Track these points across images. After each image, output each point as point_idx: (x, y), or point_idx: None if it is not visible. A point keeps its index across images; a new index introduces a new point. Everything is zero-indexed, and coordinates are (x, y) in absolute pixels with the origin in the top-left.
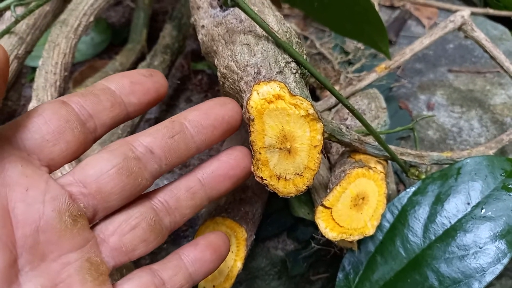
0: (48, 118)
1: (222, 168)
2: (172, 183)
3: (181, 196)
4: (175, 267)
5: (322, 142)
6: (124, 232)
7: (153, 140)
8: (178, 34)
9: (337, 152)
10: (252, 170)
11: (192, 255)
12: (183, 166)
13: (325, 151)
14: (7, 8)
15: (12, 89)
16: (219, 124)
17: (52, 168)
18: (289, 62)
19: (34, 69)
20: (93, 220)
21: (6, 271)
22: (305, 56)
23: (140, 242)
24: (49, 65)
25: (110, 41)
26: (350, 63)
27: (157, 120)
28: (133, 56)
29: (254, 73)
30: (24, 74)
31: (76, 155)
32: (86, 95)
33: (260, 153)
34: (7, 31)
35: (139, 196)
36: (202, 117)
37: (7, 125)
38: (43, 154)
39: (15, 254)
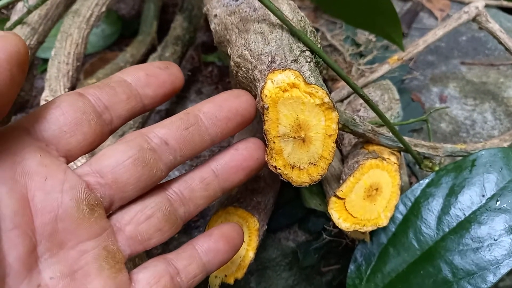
0: (65, 109)
1: (236, 160)
2: (186, 174)
3: (195, 187)
4: (189, 257)
5: (337, 131)
6: (140, 222)
7: (168, 132)
8: (189, 25)
9: (350, 143)
10: (266, 159)
11: (206, 246)
12: (194, 157)
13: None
14: None
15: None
16: (233, 116)
17: (69, 159)
18: (304, 51)
19: (45, 60)
20: (110, 210)
21: (27, 257)
22: (319, 45)
23: (155, 232)
24: (62, 55)
25: (120, 33)
26: (361, 55)
27: (168, 111)
28: (143, 48)
29: (269, 61)
30: (35, 65)
31: (93, 147)
32: (102, 87)
33: (274, 142)
34: (20, 21)
35: (154, 187)
36: (217, 109)
37: (26, 117)
38: (61, 145)
39: (35, 242)
